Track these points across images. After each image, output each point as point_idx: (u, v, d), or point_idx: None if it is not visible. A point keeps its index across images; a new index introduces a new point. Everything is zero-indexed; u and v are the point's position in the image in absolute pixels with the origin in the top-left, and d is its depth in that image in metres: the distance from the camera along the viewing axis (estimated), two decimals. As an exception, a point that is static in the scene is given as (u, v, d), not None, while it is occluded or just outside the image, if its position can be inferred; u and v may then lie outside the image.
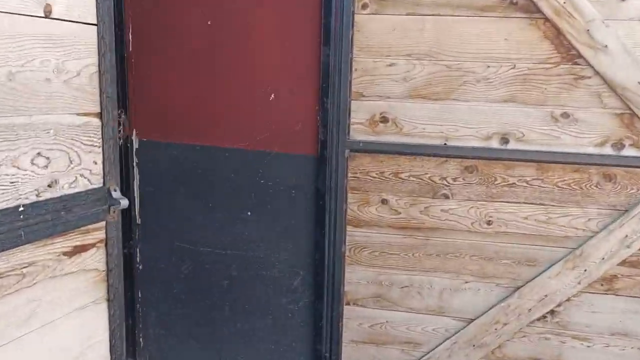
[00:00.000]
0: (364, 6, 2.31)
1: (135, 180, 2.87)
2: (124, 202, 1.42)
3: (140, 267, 2.94)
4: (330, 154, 2.48)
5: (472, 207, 2.39)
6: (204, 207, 2.79)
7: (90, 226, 1.27)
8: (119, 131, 2.80)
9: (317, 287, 2.63)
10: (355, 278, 2.59)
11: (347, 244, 2.56)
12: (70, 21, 1.08)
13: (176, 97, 2.73)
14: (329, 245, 2.55)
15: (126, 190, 2.89)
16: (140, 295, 2.96)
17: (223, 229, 2.77)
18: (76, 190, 1.17)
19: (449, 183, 2.40)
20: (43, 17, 1.01)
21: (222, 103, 2.66)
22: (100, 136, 1.18)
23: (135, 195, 2.89)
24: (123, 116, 2.80)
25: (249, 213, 2.72)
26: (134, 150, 2.84)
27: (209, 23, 2.61)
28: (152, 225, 2.91)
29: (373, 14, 2.30)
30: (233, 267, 2.78)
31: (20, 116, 1.00)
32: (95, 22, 1.13)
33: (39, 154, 1.03)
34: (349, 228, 2.55)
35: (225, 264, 2.79)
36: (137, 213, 2.91)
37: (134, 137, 2.83)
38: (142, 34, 2.73)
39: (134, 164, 2.86)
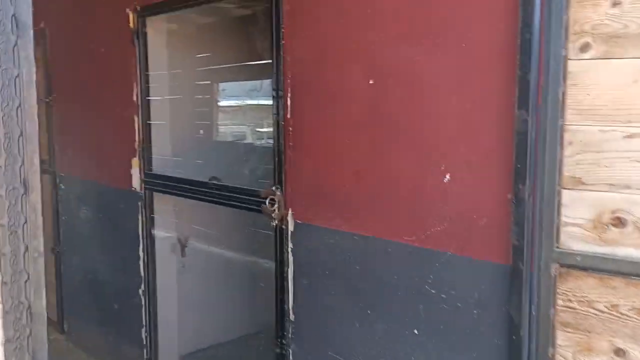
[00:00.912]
0: (584, 48, 1.46)
1: (289, 268, 2.41)
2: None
3: (291, 373, 2.44)
4: (529, 267, 1.65)
5: None
6: (362, 313, 2.17)
7: None
8: (273, 210, 2.38)
9: None
10: None
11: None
12: None
13: (333, 174, 2.20)
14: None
15: (279, 280, 2.45)
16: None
17: (383, 345, 2.11)
18: None
19: None
20: None
21: (383, 182, 2.04)
22: None
23: (289, 285, 2.42)
24: (278, 193, 2.38)
25: (415, 331, 2.01)
26: (289, 233, 2.39)
27: (370, 82, 2.03)
28: (306, 325, 2.40)
29: (599, 58, 1.44)
30: (392, 400, 2.08)
31: None
32: None
33: None
34: (558, 386, 1.65)
35: (382, 394, 2.11)
36: (290, 307, 2.44)
37: (289, 218, 2.38)
38: (301, 99, 2.29)
39: (289, 249, 2.40)
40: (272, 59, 2.36)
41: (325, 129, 2.21)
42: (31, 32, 0.71)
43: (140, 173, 3.22)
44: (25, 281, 0.70)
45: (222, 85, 3.88)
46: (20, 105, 0.68)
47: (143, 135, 3.17)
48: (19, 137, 0.68)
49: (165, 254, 3.38)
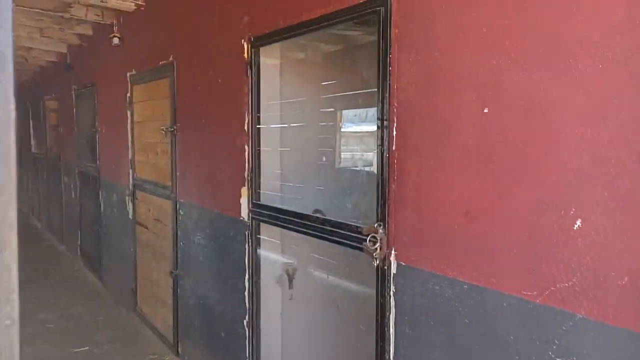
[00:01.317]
0: None
1: (391, 314, 2.18)
2: None
3: None
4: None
5: None
6: (471, 376, 1.88)
7: None
8: (375, 249, 2.18)
9: None
10: None
11: None
12: None
13: (441, 212, 1.96)
14: None
15: (380, 326, 2.23)
16: None
17: (496, 417, 1.80)
18: None
19: None
20: None
21: (498, 225, 1.76)
22: None
23: (391, 333, 2.19)
24: (381, 231, 2.18)
25: (535, 407, 1.68)
26: (392, 275, 2.17)
27: (485, 111, 1.78)
28: (409, 380, 2.14)
29: None
30: None
31: None
32: None
33: None
34: None
35: None
36: (391, 358, 2.20)
37: (392, 259, 2.17)
38: (407, 129, 2.09)
39: (391, 292, 2.18)
40: (377, 86, 2.20)
41: (433, 162, 1.98)
42: (11, 65, 0.60)
43: (248, 202, 3.19)
44: None
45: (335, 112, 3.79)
46: None
47: (252, 164, 3.15)
48: None
49: (271, 285, 3.30)
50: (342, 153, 3.83)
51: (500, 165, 1.74)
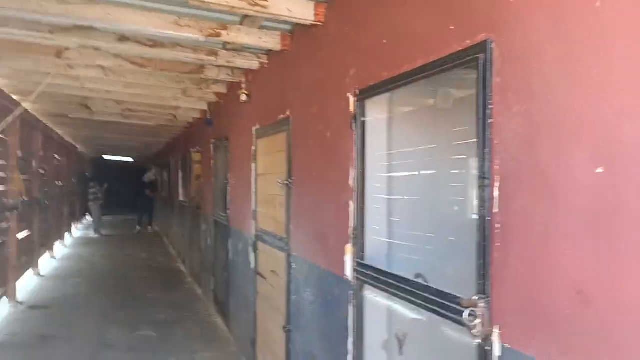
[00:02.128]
0: None
1: (495, 404, 1.87)
2: None
3: None
4: None
5: None
6: None
7: None
8: (474, 326, 1.91)
9: None
10: None
11: None
12: None
13: (550, 289, 1.66)
14: None
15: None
16: None
17: None
18: None
19: None
20: None
21: (619, 310, 1.42)
22: None
23: None
24: (482, 305, 1.91)
25: None
26: (496, 358, 1.87)
27: (598, 170, 1.48)
28: None
29: None
30: None
31: None
32: None
33: None
34: None
35: None
36: None
37: (494, 339, 1.88)
38: (511, 189, 1.83)
39: (495, 379, 1.88)
40: (477, 141, 1.97)
41: (540, 229, 1.69)
42: None
43: (352, 261, 3.05)
44: None
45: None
46: None
47: (357, 221, 3.02)
48: None
49: (376, 349, 3.08)
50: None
51: (620, 237, 1.42)
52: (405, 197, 3.11)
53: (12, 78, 6.38)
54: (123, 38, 4.56)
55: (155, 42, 4.66)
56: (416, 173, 3.13)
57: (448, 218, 3.00)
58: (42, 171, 10.25)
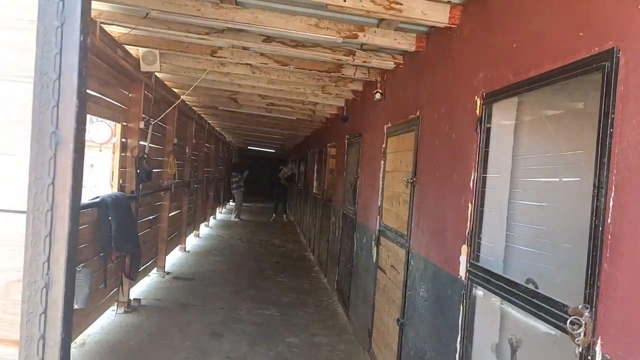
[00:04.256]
0: None
1: (594, 415, 1.87)
2: None
3: None
4: None
5: None
6: None
7: None
8: (578, 334, 1.92)
9: None
10: None
11: None
12: None
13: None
14: None
15: None
16: None
17: None
18: None
19: None
20: None
21: None
22: None
23: None
24: (586, 314, 1.91)
25: None
26: (597, 368, 1.87)
27: None
28: None
29: None
30: None
31: None
32: (23, 209, 0.75)
33: None
34: None
35: None
36: None
37: (597, 349, 1.87)
38: (626, 200, 1.81)
39: (596, 390, 1.87)
40: (596, 148, 1.96)
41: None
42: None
43: (467, 261, 3.10)
44: None
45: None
46: (53, 208, 0.75)
47: (474, 223, 3.06)
48: (45, 237, 0.74)
49: (486, 353, 3.10)
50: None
51: None
52: (525, 202, 3.08)
53: (174, 73, 7.19)
54: (268, 39, 4.97)
55: (297, 43, 5.01)
56: (538, 179, 3.09)
57: (564, 225, 2.92)
58: (193, 157, 11.32)
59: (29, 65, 0.74)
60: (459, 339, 3.12)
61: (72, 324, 0.76)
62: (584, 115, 3.01)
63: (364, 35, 4.36)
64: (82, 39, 0.76)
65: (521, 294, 2.43)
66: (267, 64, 5.85)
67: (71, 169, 0.75)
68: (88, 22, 0.77)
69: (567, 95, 3.11)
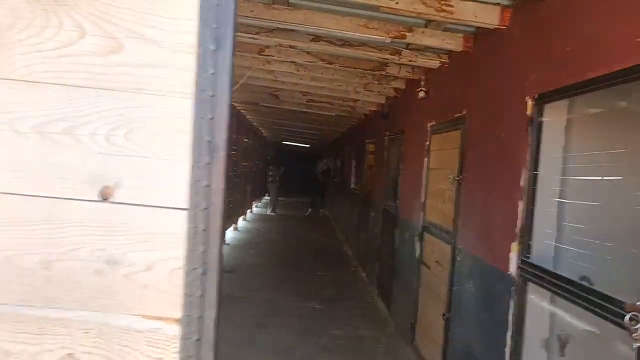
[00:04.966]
0: None
1: (651, 407, 1.94)
2: None
3: None
4: None
5: None
6: None
7: None
8: (636, 330, 1.99)
9: None
10: None
11: None
12: (140, 205, 0.88)
13: None
14: None
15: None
16: None
17: None
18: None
19: None
20: (97, 201, 0.89)
21: None
22: (177, 348, 0.88)
23: None
24: (645, 312, 1.98)
25: None
26: (655, 363, 1.94)
27: None
28: None
29: None
30: None
31: (50, 309, 0.89)
32: (185, 206, 0.88)
33: (70, 354, 0.89)
34: None
35: None
36: None
37: (656, 345, 1.94)
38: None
39: (653, 383, 1.94)
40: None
41: None
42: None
43: (517, 258, 3.17)
44: (197, 340, 0.88)
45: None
46: (209, 207, 0.88)
47: (525, 221, 3.13)
48: (203, 231, 0.88)
49: (535, 347, 3.18)
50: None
51: None
52: (576, 201, 3.13)
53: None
54: (316, 38, 5.09)
55: (344, 42, 5.12)
56: (588, 178, 3.13)
57: (617, 224, 2.97)
58: (232, 152, 11.57)
59: (189, 83, 0.88)
60: (509, 334, 3.20)
61: (222, 306, 0.90)
62: (627, 113, 3.04)
63: (412, 36, 4.44)
64: (232, 61, 0.89)
65: (575, 290, 2.51)
66: (312, 62, 5.98)
67: (223, 173, 0.89)
68: (235, 46, 0.90)
69: (611, 94, 3.15)
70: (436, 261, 4.94)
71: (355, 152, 12.23)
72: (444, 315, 4.46)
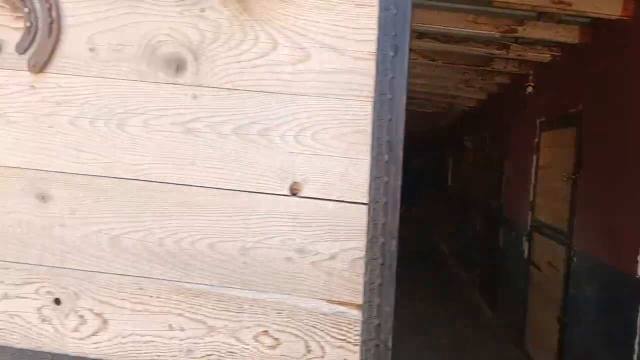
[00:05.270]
0: None
1: None
2: None
3: None
4: None
5: None
6: None
7: None
8: None
9: None
10: None
11: None
12: (325, 199, 0.95)
13: None
14: None
15: None
16: None
17: None
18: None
19: None
20: (287, 196, 0.97)
21: None
22: (358, 332, 0.94)
23: None
24: None
25: None
26: None
27: None
28: None
29: None
30: None
31: (248, 290, 0.98)
32: (365, 201, 0.94)
33: (265, 332, 0.98)
34: None
35: None
36: None
37: None
38: None
39: None
40: None
41: None
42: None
43: (647, 261, 3.01)
44: (377, 325, 0.95)
45: None
46: (388, 201, 0.94)
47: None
48: (382, 224, 0.94)
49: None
50: None
51: None
52: None
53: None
54: (421, 35, 5.08)
55: (448, 38, 5.07)
56: None
57: None
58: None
59: (369, 87, 0.95)
60: (637, 340, 3.04)
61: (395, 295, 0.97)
62: None
63: (524, 29, 4.32)
64: (407, 65, 0.96)
65: None
66: (415, 59, 5.95)
67: (400, 170, 0.95)
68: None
69: None
70: (548, 262, 4.76)
71: (452, 149, 12.00)
72: (559, 319, 4.30)
